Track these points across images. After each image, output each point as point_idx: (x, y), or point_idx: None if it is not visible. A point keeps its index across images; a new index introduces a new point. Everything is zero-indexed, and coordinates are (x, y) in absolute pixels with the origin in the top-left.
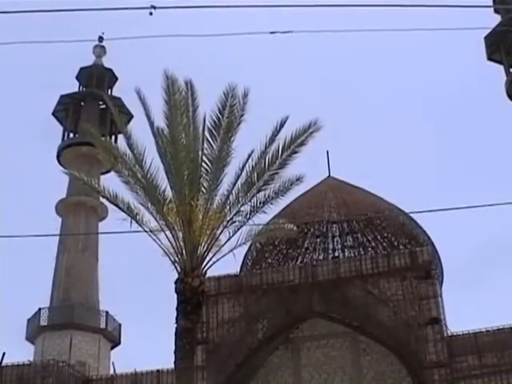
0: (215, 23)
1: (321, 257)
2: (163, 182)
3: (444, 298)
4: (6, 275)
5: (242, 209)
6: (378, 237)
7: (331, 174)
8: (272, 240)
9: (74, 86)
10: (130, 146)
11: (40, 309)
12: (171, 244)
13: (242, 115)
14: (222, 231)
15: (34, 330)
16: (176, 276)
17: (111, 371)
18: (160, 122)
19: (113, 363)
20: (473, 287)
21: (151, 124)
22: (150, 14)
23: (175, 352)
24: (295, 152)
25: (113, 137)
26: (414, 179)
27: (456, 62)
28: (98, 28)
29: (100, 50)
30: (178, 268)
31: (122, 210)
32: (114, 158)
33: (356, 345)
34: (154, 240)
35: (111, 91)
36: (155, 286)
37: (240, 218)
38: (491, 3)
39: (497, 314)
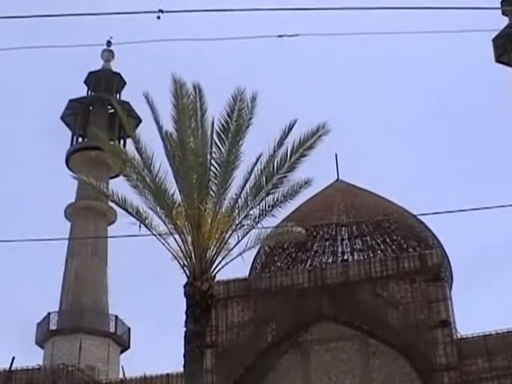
0: (223, 27)
1: (330, 260)
2: (172, 185)
3: (453, 300)
4: (15, 279)
5: (251, 212)
6: (387, 240)
7: (340, 177)
8: (281, 243)
9: (82, 91)
10: (138, 150)
11: (49, 313)
12: (180, 248)
13: (250, 119)
14: (230, 235)
15: (44, 335)
16: (185, 280)
17: (121, 375)
18: (168, 126)
19: (122, 367)
20: (482, 289)
21: (160, 128)
22: (158, 18)
23: (184, 356)
24: (304, 155)
25: (121, 141)
26: (422, 182)
27: (464, 63)
28: (106, 32)
29: (108, 55)
30: (187, 272)
31: (131, 214)
32: (123, 162)
33: (365, 348)
34: (163, 244)
35: (119, 95)
36: (164, 289)
37: (249, 221)
38: (499, 5)
39: (507, 317)
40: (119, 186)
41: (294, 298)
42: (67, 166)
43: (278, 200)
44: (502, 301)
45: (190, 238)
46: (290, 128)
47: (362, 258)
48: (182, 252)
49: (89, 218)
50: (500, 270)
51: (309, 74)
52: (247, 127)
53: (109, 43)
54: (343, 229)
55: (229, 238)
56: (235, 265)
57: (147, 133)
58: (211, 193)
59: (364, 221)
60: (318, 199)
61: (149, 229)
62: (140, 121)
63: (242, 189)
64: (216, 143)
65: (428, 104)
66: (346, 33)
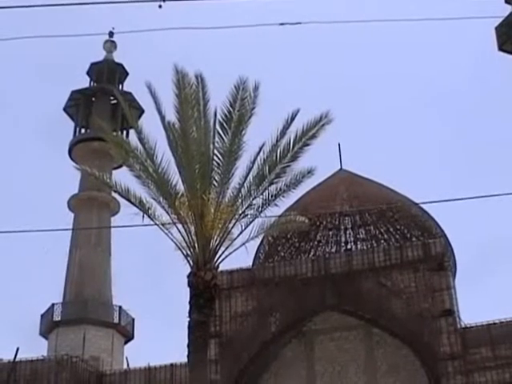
0: (224, 16)
1: (333, 249)
2: (175, 175)
3: (457, 289)
4: (19, 271)
5: (254, 202)
6: (391, 229)
7: (343, 167)
8: (284, 233)
9: (84, 82)
10: (141, 140)
11: (53, 304)
12: (183, 238)
13: (253, 108)
14: (234, 224)
15: (48, 326)
16: (188, 270)
17: (125, 366)
18: (171, 116)
19: (126, 358)
20: (486, 278)
21: (162, 118)
22: (160, 6)
23: (188, 346)
24: (307, 145)
25: (124, 132)
26: (426, 171)
27: (467, 51)
28: (108, 23)
29: (110, 45)
30: (191, 262)
31: (134, 205)
32: (126, 152)
33: (369, 337)
34: (167, 234)
35: (122, 86)
36: (168, 280)
37: (252, 211)
38: None
39: (511, 306)
40: (122, 176)
41: (298, 287)
42: (70, 157)
43: (280, 189)
44: (506, 290)
45: (193, 228)
46: (293, 117)
47: (365, 247)
48: (186, 242)
49: (92, 208)
50: (504, 260)
51: (311, 63)
52: (250, 117)
53: (111, 34)
54: (346, 218)
55: (232, 227)
56: (239, 255)
57: (150, 123)
58: (214, 182)
59: (367, 210)
60: (321, 189)
61: (152, 219)
62: (142, 111)
63: (245, 178)
64: (219, 133)
65: (431, 92)
66: (348, 21)
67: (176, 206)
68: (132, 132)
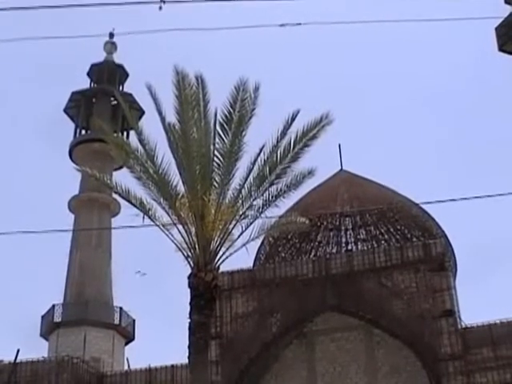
0: (224, 18)
1: (334, 250)
2: (175, 177)
3: (457, 289)
4: (20, 272)
5: (255, 203)
6: (391, 229)
7: (343, 168)
8: (285, 234)
9: (85, 83)
10: (141, 141)
11: (54, 305)
12: (184, 239)
13: (253, 109)
14: (234, 225)
15: (48, 327)
16: (189, 271)
17: (126, 367)
18: (171, 117)
19: (127, 359)
20: (486, 278)
21: (162, 119)
22: (160, 8)
23: (189, 347)
24: (307, 145)
25: (124, 133)
26: (426, 171)
27: (466, 52)
28: (108, 24)
29: (111, 47)
30: (191, 263)
31: (135, 206)
32: (126, 154)
33: (370, 338)
34: (167, 235)
35: (122, 87)
36: (169, 281)
37: (252, 212)
38: None
39: (511, 305)
40: (123, 177)
41: (299, 288)
42: (71, 158)
43: (281, 190)
44: (507, 290)
45: (193, 229)
46: (293, 118)
47: (365, 247)
48: (186, 243)
49: (92, 210)
50: (505, 260)
51: (312, 64)
52: (250, 117)
53: (111, 35)
54: (347, 219)
55: (232, 228)
56: (239, 256)
57: (150, 124)
58: (215, 183)
59: (368, 210)
60: (321, 189)
61: (152, 220)
62: (143, 112)
63: (246, 179)
64: (219, 134)
65: (431, 92)
66: (349, 21)
67: (176, 207)
68: (132, 133)
